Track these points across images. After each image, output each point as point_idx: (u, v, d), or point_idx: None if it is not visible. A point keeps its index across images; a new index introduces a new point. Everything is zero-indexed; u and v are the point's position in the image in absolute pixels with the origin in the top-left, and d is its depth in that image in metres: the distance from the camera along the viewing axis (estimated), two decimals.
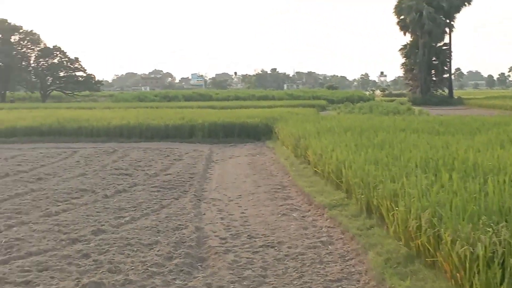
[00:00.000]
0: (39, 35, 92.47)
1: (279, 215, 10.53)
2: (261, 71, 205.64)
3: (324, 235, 8.99)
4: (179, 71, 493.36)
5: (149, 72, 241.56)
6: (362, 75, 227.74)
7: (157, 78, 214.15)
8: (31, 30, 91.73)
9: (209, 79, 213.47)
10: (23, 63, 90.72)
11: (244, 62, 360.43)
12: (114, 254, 7.94)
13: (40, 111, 35.22)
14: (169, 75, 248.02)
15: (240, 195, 12.50)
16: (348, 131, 16.79)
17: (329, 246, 8.39)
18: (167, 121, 25.74)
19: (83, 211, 10.68)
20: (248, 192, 12.84)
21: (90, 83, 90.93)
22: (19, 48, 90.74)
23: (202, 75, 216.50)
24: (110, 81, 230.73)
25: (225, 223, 9.93)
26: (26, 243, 8.47)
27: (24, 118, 27.62)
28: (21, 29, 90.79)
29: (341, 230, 9.01)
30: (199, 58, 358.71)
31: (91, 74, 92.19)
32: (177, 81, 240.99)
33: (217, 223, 9.94)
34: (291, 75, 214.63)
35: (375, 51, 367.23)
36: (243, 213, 10.77)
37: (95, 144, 23.22)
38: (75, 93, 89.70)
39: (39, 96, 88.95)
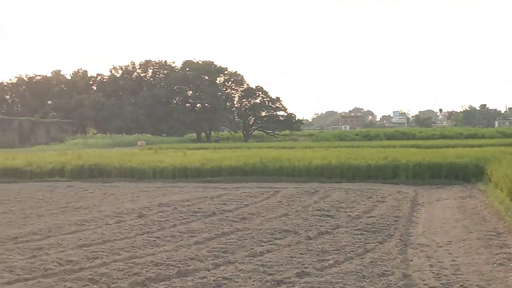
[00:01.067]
0: (242, 76, 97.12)
1: (495, 264, 9.64)
2: (469, 107, 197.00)
3: None
4: (380, 109, 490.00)
5: (349, 110, 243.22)
6: None
7: (357, 116, 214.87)
8: (235, 71, 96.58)
9: (412, 116, 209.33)
10: (227, 104, 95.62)
11: (450, 98, 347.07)
12: None
13: (243, 151, 36.47)
14: (369, 113, 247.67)
15: (449, 241, 11.69)
16: None
17: None
18: (369, 160, 25.22)
19: (287, 252, 10.62)
20: (458, 238, 11.98)
21: (291, 122, 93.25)
22: (224, 89, 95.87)
23: (404, 113, 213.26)
24: (310, 120, 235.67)
25: (434, 271, 9.29)
26: (233, 282, 8.58)
27: (228, 158, 28.68)
28: (226, 70, 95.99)
29: None
30: (402, 95, 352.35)
31: (291, 113, 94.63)
32: (378, 119, 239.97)
33: (425, 270, 9.33)
34: (502, 111, 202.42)
35: None
36: (454, 260, 10.02)
37: (296, 184, 23.34)
38: (275, 132, 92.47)
39: (241, 135, 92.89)
